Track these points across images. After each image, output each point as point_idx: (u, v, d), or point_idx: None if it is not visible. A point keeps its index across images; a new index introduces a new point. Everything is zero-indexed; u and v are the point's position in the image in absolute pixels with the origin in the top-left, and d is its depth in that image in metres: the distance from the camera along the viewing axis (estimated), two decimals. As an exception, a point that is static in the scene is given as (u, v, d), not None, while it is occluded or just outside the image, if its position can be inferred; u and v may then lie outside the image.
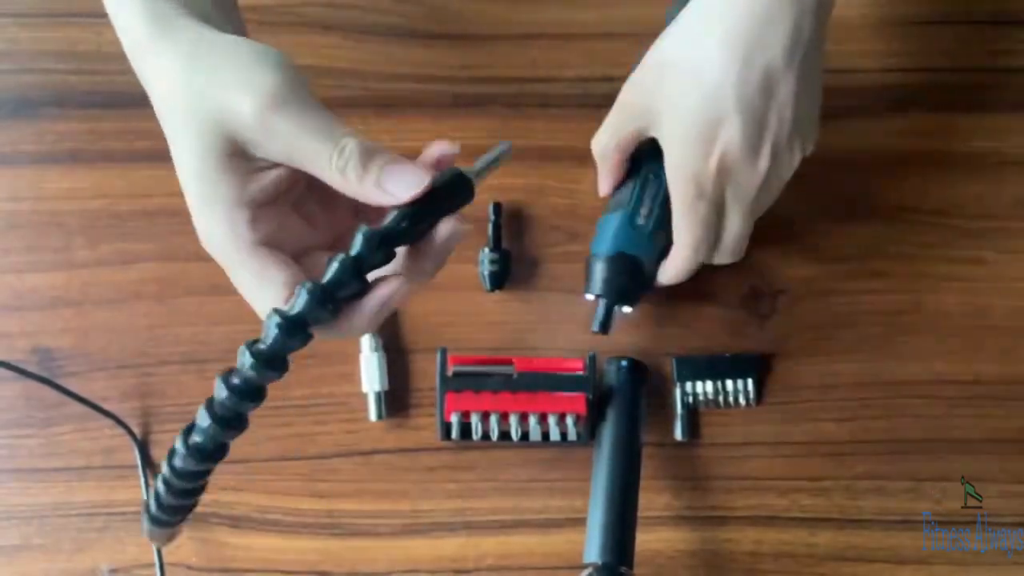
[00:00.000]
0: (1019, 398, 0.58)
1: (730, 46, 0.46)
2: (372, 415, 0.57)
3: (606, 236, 0.53)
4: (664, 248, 0.53)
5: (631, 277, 0.53)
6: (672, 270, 0.52)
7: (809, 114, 0.48)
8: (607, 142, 0.52)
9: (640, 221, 0.53)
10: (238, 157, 0.38)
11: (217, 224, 0.39)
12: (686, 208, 0.49)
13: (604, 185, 0.55)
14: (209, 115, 0.37)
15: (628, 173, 0.54)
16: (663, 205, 0.52)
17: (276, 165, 0.38)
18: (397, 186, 0.38)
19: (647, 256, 0.53)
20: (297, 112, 0.37)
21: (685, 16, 0.48)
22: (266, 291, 0.39)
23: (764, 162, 0.48)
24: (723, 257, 0.52)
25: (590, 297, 0.53)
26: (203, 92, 0.37)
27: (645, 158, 0.53)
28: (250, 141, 0.37)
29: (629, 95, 0.51)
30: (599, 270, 0.53)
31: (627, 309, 0.53)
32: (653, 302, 0.58)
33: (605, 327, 0.52)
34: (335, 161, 0.37)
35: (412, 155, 0.57)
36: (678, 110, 0.48)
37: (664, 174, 0.50)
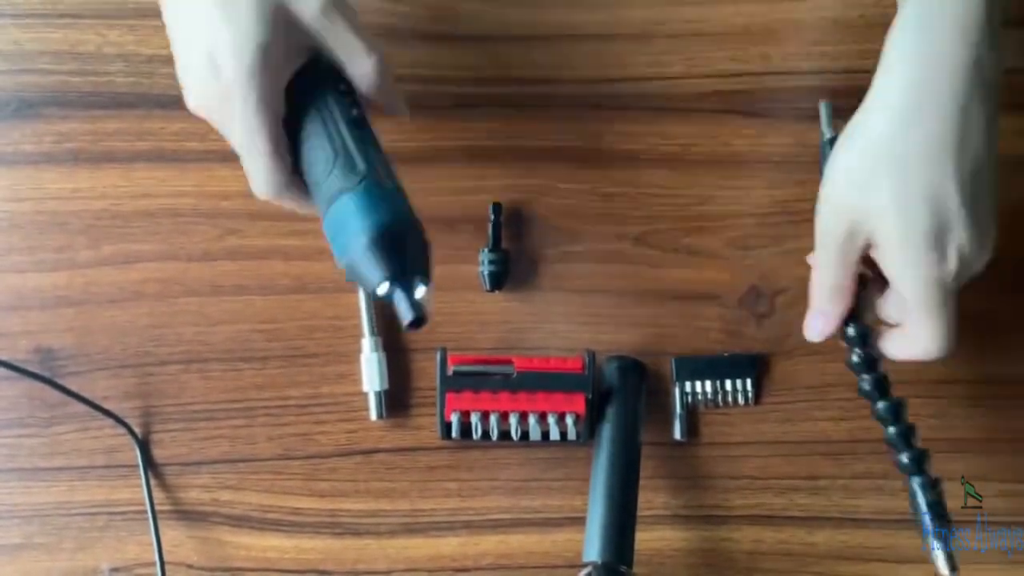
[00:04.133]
0: (1019, 398, 0.58)
1: (944, 146, 0.46)
2: (372, 414, 0.57)
3: (353, 226, 0.45)
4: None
5: (408, 247, 0.45)
6: (915, 353, 0.50)
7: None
8: (836, 270, 0.50)
9: (384, 180, 0.45)
10: (288, 35, 0.46)
11: (260, 57, 0.45)
12: (934, 311, 0.48)
13: (831, 324, 0.52)
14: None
15: (290, 124, 0.47)
16: (361, 138, 0.47)
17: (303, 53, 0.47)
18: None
19: (406, 212, 0.46)
20: (350, 14, 0.48)
21: (878, 114, 0.48)
22: (273, 160, 0.46)
23: (988, 249, 0.48)
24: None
25: (382, 291, 0.44)
26: None
27: (303, 95, 0.47)
28: (308, 28, 0.46)
29: (836, 199, 0.49)
30: (369, 261, 0.44)
31: (422, 288, 0.46)
32: (652, 303, 0.58)
33: (418, 315, 0.44)
34: (370, 60, 0.48)
35: (412, 154, 0.58)
36: (906, 213, 0.47)
37: (336, 103, 0.47)
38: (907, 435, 0.51)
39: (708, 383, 0.57)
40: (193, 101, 0.48)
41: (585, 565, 0.51)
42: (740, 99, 0.58)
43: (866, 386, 0.51)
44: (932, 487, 0.50)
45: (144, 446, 0.57)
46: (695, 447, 0.57)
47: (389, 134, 0.58)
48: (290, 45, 0.47)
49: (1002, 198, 0.48)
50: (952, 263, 0.47)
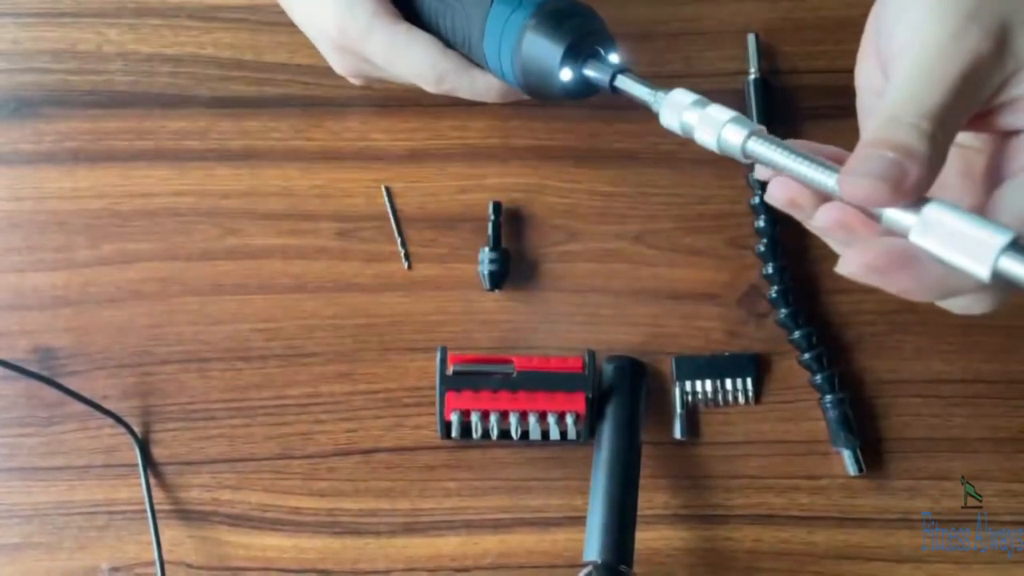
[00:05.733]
0: (1019, 398, 0.58)
1: None
2: (373, 414, 0.57)
3: (513, 22, 0.43)
4: None
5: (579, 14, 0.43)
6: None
7: None
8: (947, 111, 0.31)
9: None
10: None
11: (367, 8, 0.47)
12: None
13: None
14: None
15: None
16: None
17: None
18: None
19: None
20: None
21: None
22: (479, 81, 0.48)
23: None
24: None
25: (565, 77, 0.42)
26: None
27: None
28: None
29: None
30: (542, 41, 0.42)
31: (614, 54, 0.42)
32: (652, 303, 0.58)
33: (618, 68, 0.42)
34: None
35: (411, 153, 0.58)
36: None
37: None
38: (820, 359, 0.56)
39: (708, 382, 0.57)
40: (340, 70, 0.52)
41: (585, 565, 0.51)
42: (740, 98, 0.58)
43: (784, 317, 0.56)
44: (839, 404, 0.56)
45: (143, 445, 0.57)
46: (695, 446, 0.57)
47: (388, 132, 0.58)
48: None
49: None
50: None
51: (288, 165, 0.58)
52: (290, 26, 0.59)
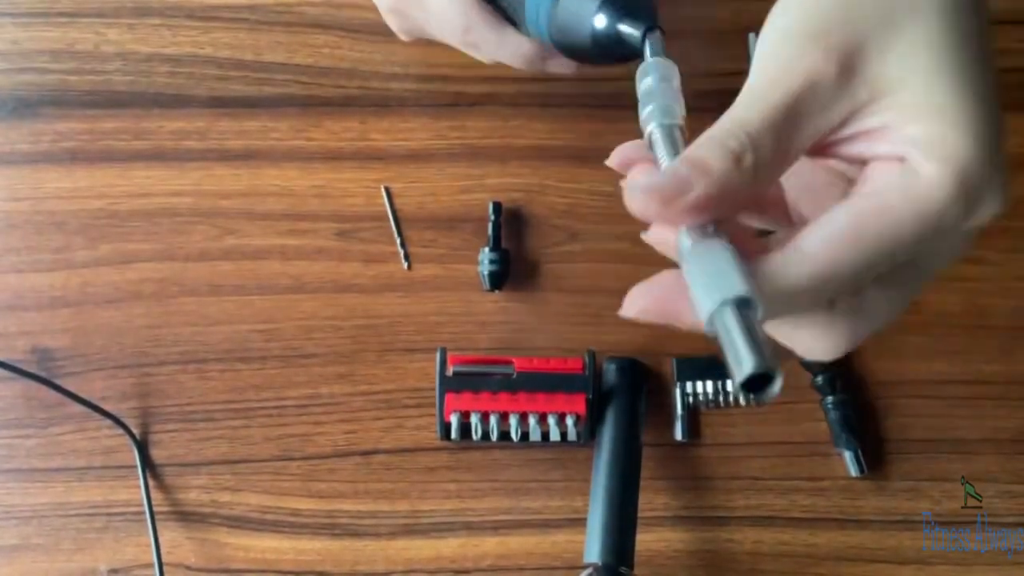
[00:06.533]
0: (1019, 398, 0.58)
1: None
2: (372, 415, 0.57)
3: None
4: None
5: None
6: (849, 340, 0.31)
7: None
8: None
9: None
10: None
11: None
12: (950, 246, 0.30)
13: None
14: None
15: None
16: None
17: None
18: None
19: None
20: None
21: None
22: (507, 38, 0.48)
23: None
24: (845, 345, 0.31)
25: (600, 21, 0.43)
26: None
27: None
28: None
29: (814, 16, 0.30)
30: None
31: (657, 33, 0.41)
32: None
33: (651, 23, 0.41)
34: None
35: (411, 153, 0.58)
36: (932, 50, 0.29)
37: None
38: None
39: (709, 383, 0.57)
40: (388, 21, 0.54)
41: (586, 567, 0.51)
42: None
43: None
44: (841, 405, 0.56)
45: (142, 447, 0.57)
46: (696, 448, 0.57)
47: (387, 132, 0.58)
48: None
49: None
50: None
51: (287, 165, 0.58)
52: (289, 25, 0.59)
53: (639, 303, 0.29)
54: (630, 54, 0.42)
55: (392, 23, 0.54)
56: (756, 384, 0.25)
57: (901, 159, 0.28)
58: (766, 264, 0.28)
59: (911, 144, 0.28)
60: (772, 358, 0.25)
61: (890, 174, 0.28)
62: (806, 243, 0.28)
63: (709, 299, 0.26)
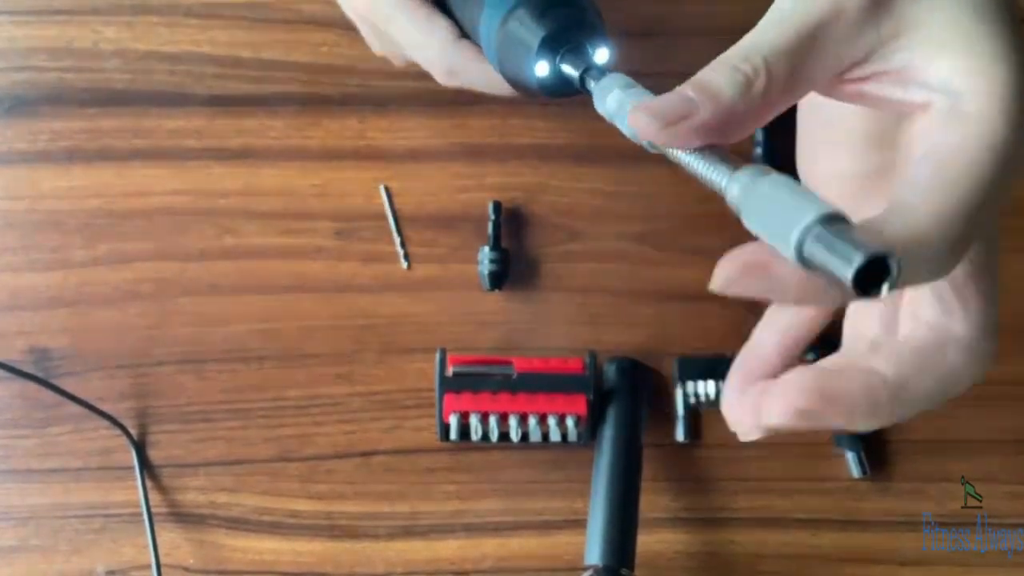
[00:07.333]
0: (1019, 398, 0.57)
1: None
2: (371, 415, 0.56)
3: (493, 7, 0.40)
4: None
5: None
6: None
7: None
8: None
9: None
10: None
11: None
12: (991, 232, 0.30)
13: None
14: None
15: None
16: None
17: None
18: None
19: None
20: None
21: None
22: (434, 35, 0.44)
23: None
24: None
25: (541, 72, 0.39)
26: None
27: None
28: None
29: None
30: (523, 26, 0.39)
31: (604, 51, 0.39)
32: (654, 303, 0.57)
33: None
34: None
35: (410, 153, 0.58)
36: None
37: None
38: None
39: (711, 384, 0.56)
40: (376, 51, 0.51)
41: (586, 568, 0.50)
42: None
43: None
44: None
45: (140, 447, 0.56)
46: (697, 448, 0.57)
47: (386, 131, 0.58)
48: None
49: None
50: None
51: (286, 164, 0.58)
52: (288, 23, 0.58)
53: (726, 270, 0.26)
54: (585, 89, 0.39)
55: (374, 45, 0.52)
56: (869, 281, 0.23)
57: (932, 106, 0.27)
58: (888, 213, 0.26)
59: (943, 87, 0.27)
60: (878, 243, 0.23)
61: (938, 126, 0.27)
62: (910, 200, 0.26)
63: (793, 226, 0.24)
